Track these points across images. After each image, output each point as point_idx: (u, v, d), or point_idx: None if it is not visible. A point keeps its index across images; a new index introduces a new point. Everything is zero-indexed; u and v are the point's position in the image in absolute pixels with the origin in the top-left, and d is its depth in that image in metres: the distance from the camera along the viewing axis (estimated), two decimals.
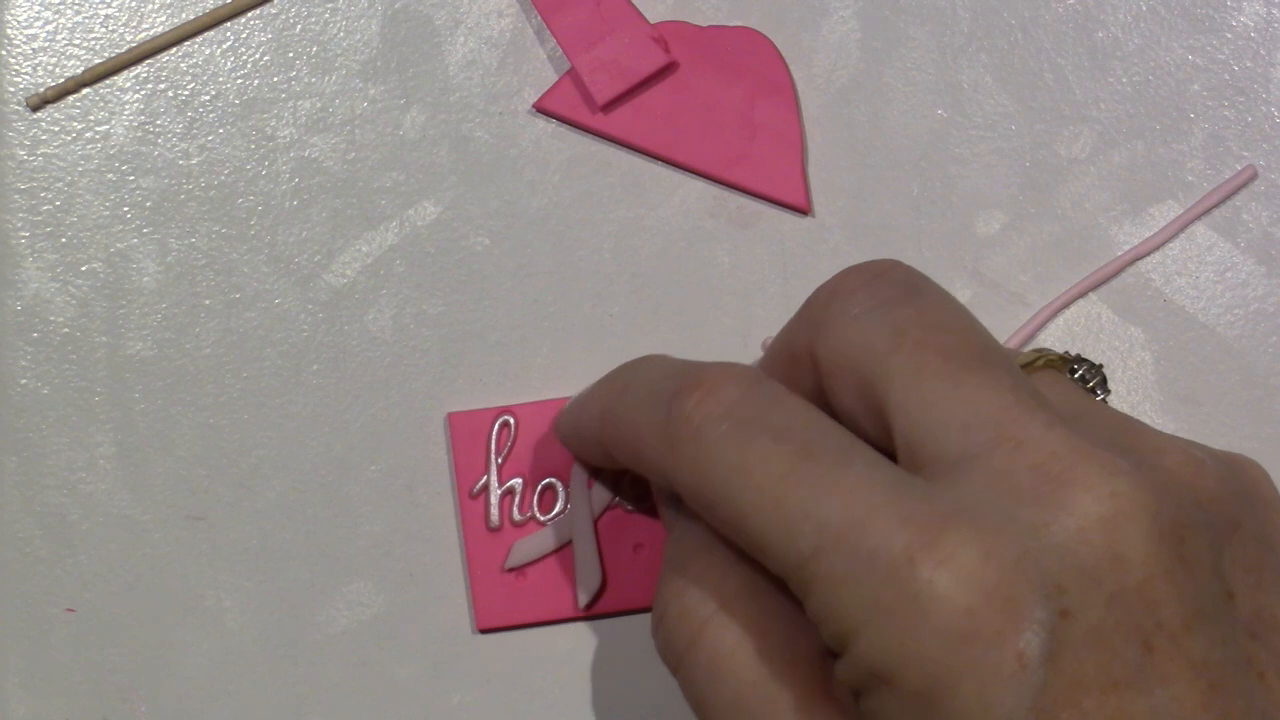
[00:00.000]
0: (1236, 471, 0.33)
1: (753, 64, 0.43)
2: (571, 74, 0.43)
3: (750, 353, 0.43)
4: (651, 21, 0.43)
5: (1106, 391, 0.39)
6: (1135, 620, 0.29)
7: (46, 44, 0.43)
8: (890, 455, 0.32)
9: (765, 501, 0.31)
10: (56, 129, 0.43)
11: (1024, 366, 0.35)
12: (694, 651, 0.34)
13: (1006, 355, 0.33)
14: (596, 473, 0.41)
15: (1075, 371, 0.38)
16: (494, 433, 0.42)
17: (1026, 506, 0.29)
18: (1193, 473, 0.31)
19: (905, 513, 0.30)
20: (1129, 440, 0.32)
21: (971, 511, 0.29)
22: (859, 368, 0.32)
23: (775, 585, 0.33)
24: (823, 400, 0.34)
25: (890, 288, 0.33)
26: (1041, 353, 0.36)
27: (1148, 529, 0.29)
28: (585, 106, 0.43)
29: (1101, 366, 0.39)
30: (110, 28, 0.43)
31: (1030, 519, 0.29)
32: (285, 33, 0.43)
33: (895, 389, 0.32)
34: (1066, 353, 0.39)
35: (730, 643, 0.33)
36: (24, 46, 0.43)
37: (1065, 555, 0.29)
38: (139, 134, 0.43)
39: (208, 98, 0.43)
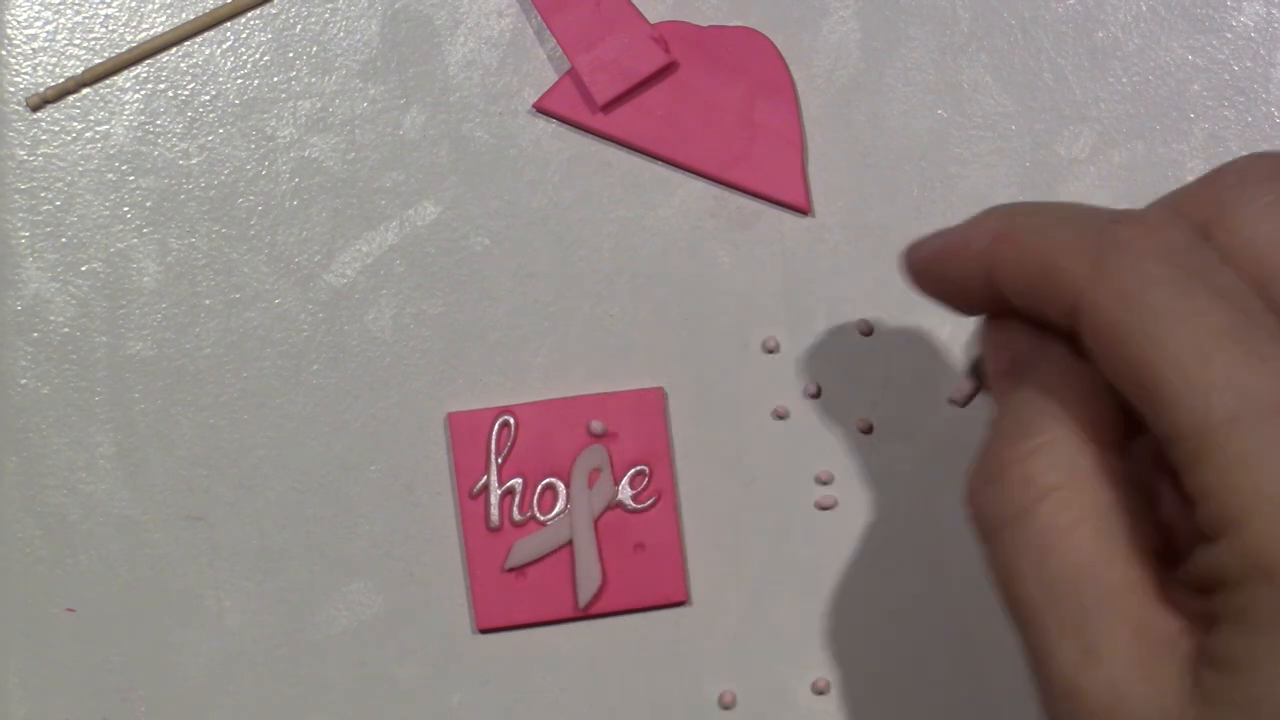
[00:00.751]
0: None
1: (753, 64, 0.43)
2: (571, 74, 0.43)
3: (750, 353, 0.43)
4: (651, 21, 0.43)
5: None
6: None
7: (46, 44, 0.43)
8: None
9: (1191, 353, 0.30)
10: (56, 129, 0.43)
11: None
12: (1026, 520, 0.32)
13: None
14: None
15: None
16: (494, 433, 0.42)
17: None
18: None
19: None
20: None
21: None
22: (1264, 258, 0.31)
23: (1127, 474, 0.32)
24: None
25: None
26: None
27: None
28: (585, 106, 0.43)
29: None
30: (110, 28, 0.43)
31: None
32: (285, 33, 0.43)
33: None
34: None
35: (1071, 519, 0.31)
36: (24, 46, 0.43)
37: None
38: (139, 134, 0.43)
39: (208, 98, 0.43)
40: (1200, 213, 0.32)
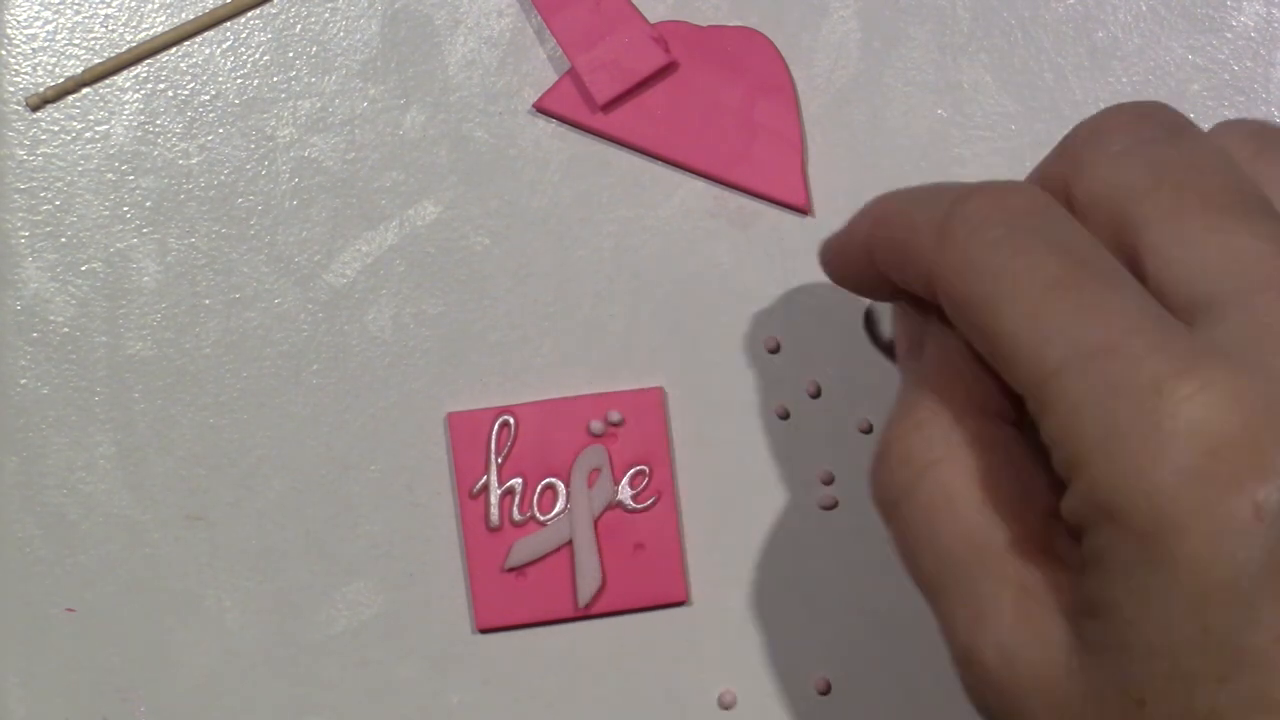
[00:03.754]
0: None
1: (753, 64, 0.43)
2: (571, 74, 0.43)
3: (750, 353, 0.43)
4: (651, 21, 0.43)
5: None
6: None
7: (46, 44, 0.43)
8: None
9: (1024, 309, 0.30)
10: (56, 129, 0.43)
11: None
12: (913, 495, 0.32)
13: (1265, 201, 0.31)
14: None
15: None
16: (494, 433, 0.42)
17: None
18: None
19: (1160, 342, 0.28)
20: None
21: (1228, 353, 0.28)
22: (1115, 206, 0.31)
23: (1011, 438, 0.32)
24: None
25: (1154, 128, 0.32)
26: None
27: None
28: (585, 106, 0.43)
29: None
30: (110, 28, 0.43)
31: None
32: (285, 33, 0.43)
33: (1151, 229, 0.30)
34: None
35: (955, 488, 0.32)
36: (24, 46, 0.43)
37: None
38: (139, 134, 0.43)
39: (208, 98, 0.43)
40: (1060, 172, 0.33)
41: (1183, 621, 0.28)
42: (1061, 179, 0.33)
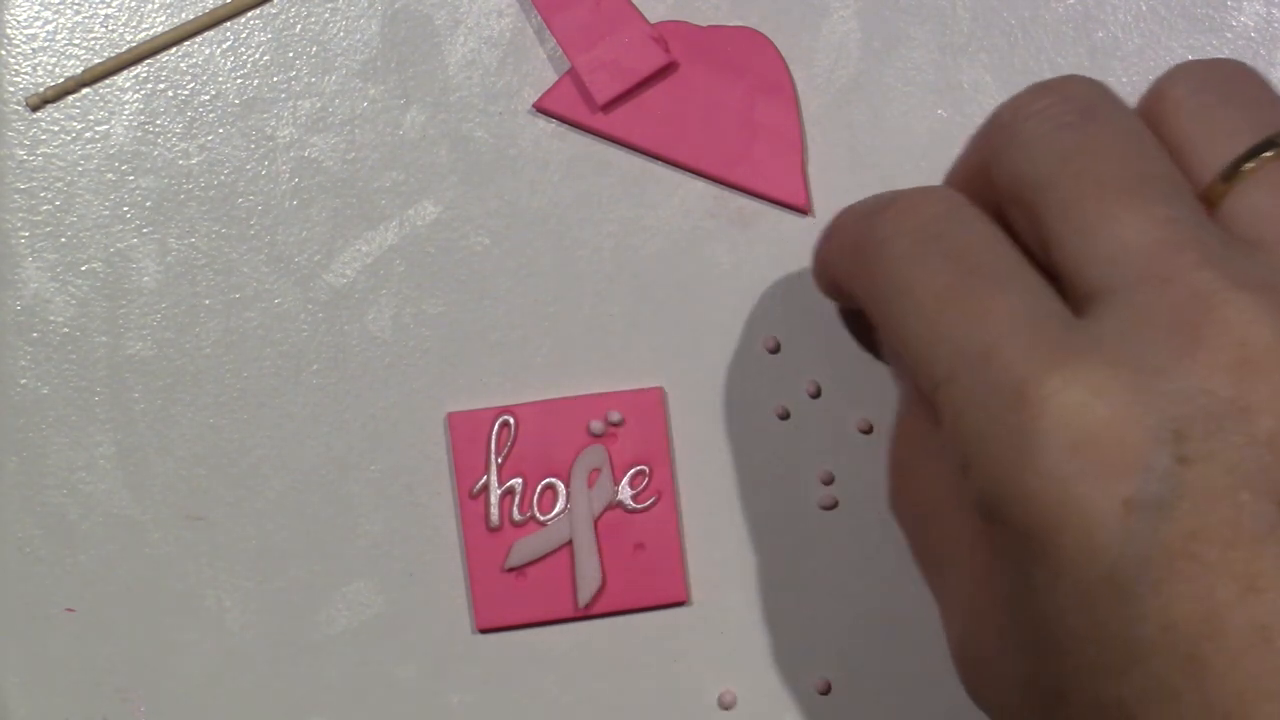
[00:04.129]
0: None
1: (753, 64, 0.43)
2: (571, 74, 0.43)
3: (750, 353, 0.43)
4: (651, 21, 0.43)
5: None
6: (1266, 475, 0.27)
7: (46, 44, 0.43)
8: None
9: (921, 320, 0.31)
10: (56, 129, 0.43)
11: (1241, 166, 0.31)
12: (901, 502, 0.35)
13: (1172, 183, 0.30)
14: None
15: None
16: (494, 433, 0.42)
17: (1158, 348, 0.28)
18: None
19: (1034, 343, 0.29)
20: None
21: (1101, 348, 0.28)
22: (1023, 195, 0.31)
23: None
24: (1005, 219, 0.33)
25: (1065, 110, 0.32)
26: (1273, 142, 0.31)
27: None
28: (585, 106, 0.43)
29: None
30: (110, 28, 0.43)
31: (1159, 361, 0.28)
32: (285, 33, 0.43)
33: (1053, 219, 0.31)
34: None
35: (925, 492, 0.35)
36: (24, 46, 0.43)
37: (1189, 402, 0.27)
38: (139, 134, 0.43)
39: (208, 98, 0.43)
40: (984, 159, 0.33)
41: (1075, 617, 0.28)
42: (983, 164, 0.33)
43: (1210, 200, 0.31)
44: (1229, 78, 0.32)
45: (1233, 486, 0.27)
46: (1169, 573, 0.27)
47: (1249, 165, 0.31)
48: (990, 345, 0.29)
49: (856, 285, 0.33)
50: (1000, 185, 0.32)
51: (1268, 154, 0.31)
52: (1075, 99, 0.32)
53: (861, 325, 0.42)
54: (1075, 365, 0.28)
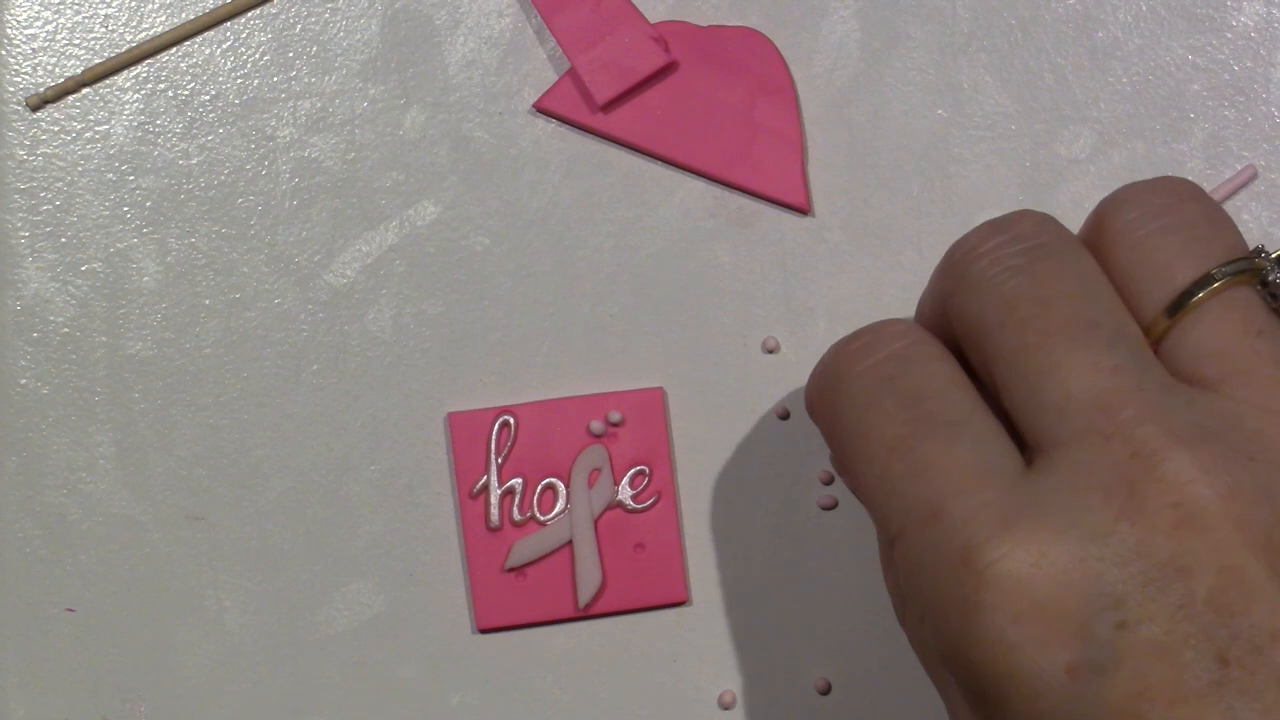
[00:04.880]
0: None
1: (753, 64, 0.43)
2: (571, 74, 0.43)
3: (750, 353, 0.43)
4: (651, 21, 0.43)
5: None
6: (1207, 633, 0.28)
7: (46, 44, 0.43)
8: None
9: (874, 470, 0.31)
10: (56, 129, 0.43)
11: (1185, 303, 0.31)
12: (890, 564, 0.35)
13: (1116, 327, 0.30)
14: None
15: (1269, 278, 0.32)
16: (494, 433, 0.42)
17: (1098, 508, 0.28)
18: None
19: (981, 504, 0.29)
20: (1261, 425, 0.29)
21: (1043, 510, 0.29)
22: (975, 340, 0.32)
23: None
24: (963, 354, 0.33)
25: (1013, 253, 0.32)
26: (1252, 260, 0.31)
27: (1225, 539, 0.28)
28: (585, 106, 0.43)
29: None
30: (110, 28, 0.43)
31: (1099, 524, 0.28)
32: (285, 33, 0.43)
33: (1001, 366, 0.31)
34: (1262, 250, 0.33)
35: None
36: (24, 46, 0.43)
37: (1128, 565, 0.28)
38: (139, 134, 0.43)
39: (208, 98, 0.43)
40: (944, 292, 0.33)
41: None
42: (943, 299, 0.33)
43: (1154, 334, 0.31)
44: (1170, 203, 0.32)
45: (1173, 646, 0.27)
46: None
47: (1194, 299, 0.31)
48: (937, 506, 0.30)
49: (820, 423, 0.33)
50: (954, 326, 0.33)
51: (1212, 287, 0.31)
52: (1024, 239, 0.32)
53: None
54: (1018, 530, 0.29)
